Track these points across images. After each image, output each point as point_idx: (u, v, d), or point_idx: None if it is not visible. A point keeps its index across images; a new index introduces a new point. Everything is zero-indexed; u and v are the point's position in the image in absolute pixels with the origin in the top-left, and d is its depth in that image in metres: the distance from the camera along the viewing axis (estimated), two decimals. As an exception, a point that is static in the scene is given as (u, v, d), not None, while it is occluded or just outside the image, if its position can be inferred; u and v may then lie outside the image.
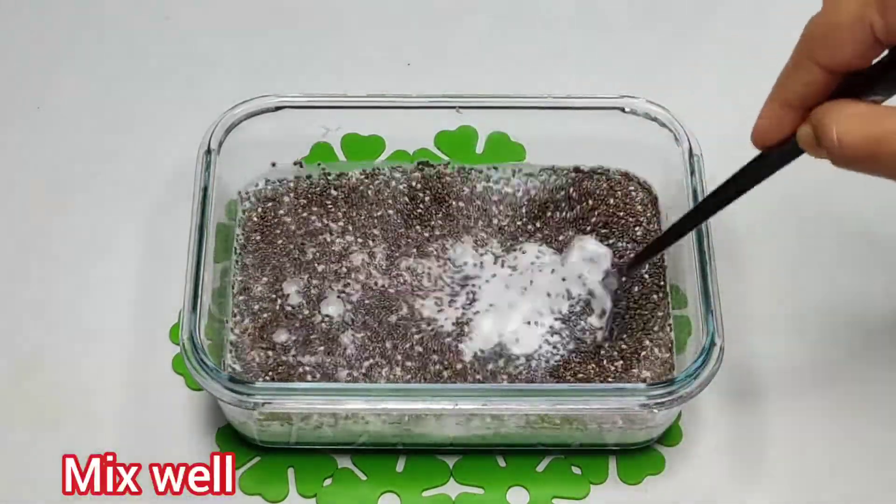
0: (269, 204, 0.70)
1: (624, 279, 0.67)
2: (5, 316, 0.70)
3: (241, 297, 0.67)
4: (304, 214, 0.70)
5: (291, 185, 0.71)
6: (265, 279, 0.68)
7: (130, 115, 0.78)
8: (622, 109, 0.68)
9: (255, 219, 0.70)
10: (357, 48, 0.81)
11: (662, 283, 0.68)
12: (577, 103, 0.69)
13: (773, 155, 0.54)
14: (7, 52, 0.80)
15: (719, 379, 0.61)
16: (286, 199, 0.70)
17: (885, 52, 0.50)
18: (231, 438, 0.66)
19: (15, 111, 0.78)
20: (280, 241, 0.69)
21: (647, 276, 0.68)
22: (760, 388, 0.68)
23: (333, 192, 0.71)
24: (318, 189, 0.71)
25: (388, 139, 0.72)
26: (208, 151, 0.67)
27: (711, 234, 0.64)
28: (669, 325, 0.66)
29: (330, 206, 0.70)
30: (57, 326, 0.69)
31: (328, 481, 0.65)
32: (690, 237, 0.64)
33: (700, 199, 0.65)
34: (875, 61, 0.50)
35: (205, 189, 0.65)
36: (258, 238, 0.69)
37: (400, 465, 0.66)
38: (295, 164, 0.72)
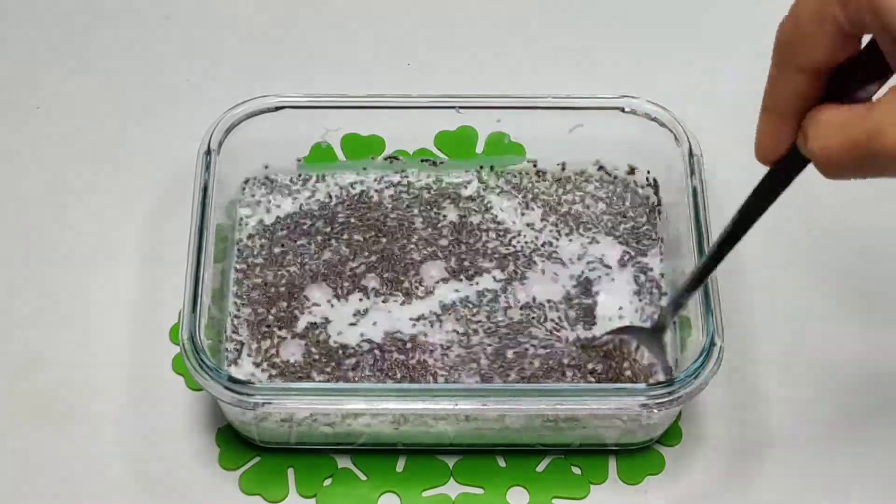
0: (269, 204, 0.70)
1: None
2: (6, 316, 0.70)
3: (240, 297, 0.67)
4: (304, 215, 0.70)
5: (291, 185, 0.71)
6: (264, 279, 0.68)
7: (130, 116, 0.78)
8: (622, 109, 0.68)
9: (255, 219, 0.70)
10: (357, 48, 0.81)
11: (663, 284, 0.68)
12: (577, 103, 0.69)
13: (780, 169, 0.53)
14: (7, 52, 0.80)
15: (719, 379, 0.61)
16: (286, 199, 0.71)
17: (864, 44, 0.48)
18: (231, 438, 0.66)
19: (15, 111, 0.78)
20: (279, 241, 0.69)
21: (647, 277, 0.68)
22: (760, 388, 0.68)
23: (334, 199, 0.71)
24: (318, 192, 0.71)
25: (388, 139, 0.72)
26: (208, 151, 0.67)
27: (711, 234, 0.64)
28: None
29: (330, 210, 0.70)
30: (57, 326, 0.69)
31: (328, 481, 0.65)
32: (690, 237, 0.64)
33: (699, 199, 0.65)
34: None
35: (205, 189, 0.65)
36: (257, 238, 0.69)
37: (400, 465, 0.66)
38: (296, 161, 0.72)
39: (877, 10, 0.45)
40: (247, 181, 0.71)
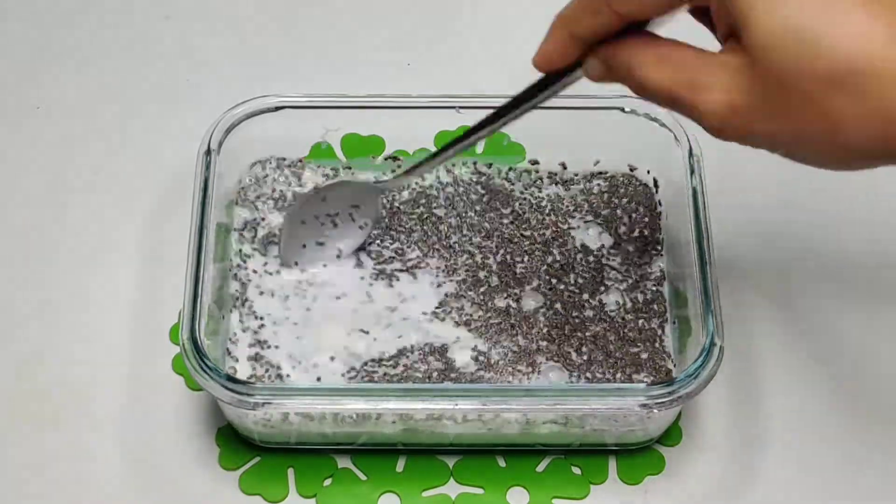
0: (269, 203, 0.70)
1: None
2: (6, 316, 0.70)
3: (240, 297, 0.67)
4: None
5: (291, 184, 0.71)
6: (264, 279, 0.68)
7: (130, 115, 0.78)
8: (622, 109, 0.68)
9: (255, 218, 0.70)
10: (357, 48, 0.81)
11: (663, 284, 0.68)
12: (577, 103, 0.69)
13: (553, 78, 0.56)
14: (7, 52, 0.80)
15: (719, 379, 0.61)
16: (285, 198, 0.70)
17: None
18: (231, 438, 0.66)
19: (15, 111, 0.78)
20: (279, 241, 0.69)
21: (649, 282, 0.68)
22: (760, 388, 0.68)
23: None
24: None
25: (388, 139, 0.72)
26: (208, 151, 0.67)
27: (711, 234, 0.64)
28: (670, 325, 0.67)
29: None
30: (57, 326, 0.69)
31: (328, 481, 0.65)
32: (690, 237, 0.64)
33: (699, 199, 0.65)
34: None
35: (205, 189, 0.65)
36: (257, 237, 0.69)
37: (400, 465, 0.66)
38: (298, 162, 0.72)
39: None
40: (253, 165, 0.71)
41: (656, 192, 0.71)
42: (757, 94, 0.47)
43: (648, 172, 0.71)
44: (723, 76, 0.48)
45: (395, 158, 0.72)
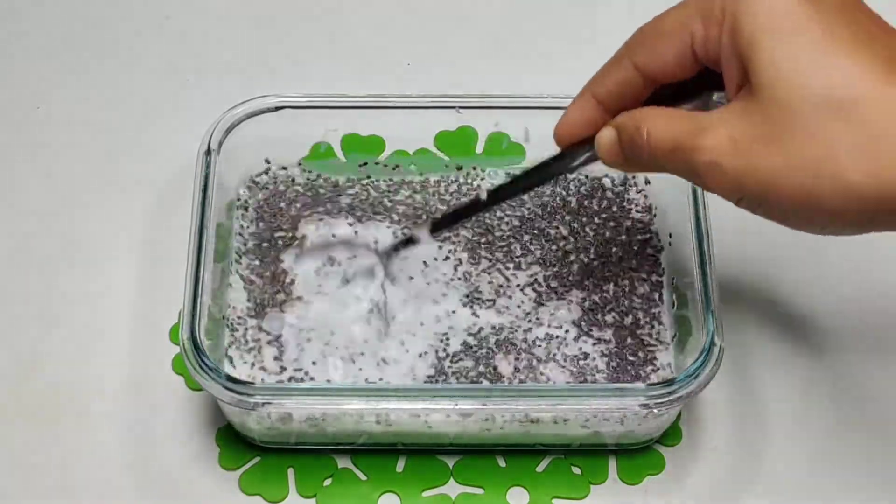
0: (268, 203, 0.70)
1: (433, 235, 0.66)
2: (5, 316, 0.70)
3: (239, 296, 0.67)
4: (303, 214, 0.70)
5: (291, 184, 0.71)
6: (264, 278, 0.68)
7: (130, 116, 0.78)
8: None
9: (254, 218, 0.70)
10: (357, 48, 0.81)
11: (662, 283, 0.68)
12: (576, 103, 0.69)
13: (568, 156, 0.56)
14: (7, 52, 0.80)
15: (719, 379, 0.61)
16: (285, 198, 0.71)
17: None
18: (231, 438, 0.66)
19: (15, 111, 0.78)
20: (279, 240, 0.69)
21: (647, 277, 0.68)
22: (760, 388, 0.68)
23: (331, 195, 0.71)
24: (318, 190, 0.71)
25: (388, 139, 0.72)
26: (208, 151, 0.67)
27: (711, 234, 0.64)
28: (668, 325, 0.67)
29: (329, 208, 0.70)
30: (57, 326, 0.69)
31: (328, 481, 0.65)
32: (691, 237, 0.64)
33: (699, 199, 0.65)
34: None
35: (205, 189, 0.65)
36: (257, 237, 0.69)
37: (400, 465, 0.66)
38: (298, 164, 0.72)
39: (735, 33, 0.49)
40: (241, 194, 0.71)
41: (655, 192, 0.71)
42: (757, 125, 0.48)
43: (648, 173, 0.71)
44: (726, 115, 0.49)
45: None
